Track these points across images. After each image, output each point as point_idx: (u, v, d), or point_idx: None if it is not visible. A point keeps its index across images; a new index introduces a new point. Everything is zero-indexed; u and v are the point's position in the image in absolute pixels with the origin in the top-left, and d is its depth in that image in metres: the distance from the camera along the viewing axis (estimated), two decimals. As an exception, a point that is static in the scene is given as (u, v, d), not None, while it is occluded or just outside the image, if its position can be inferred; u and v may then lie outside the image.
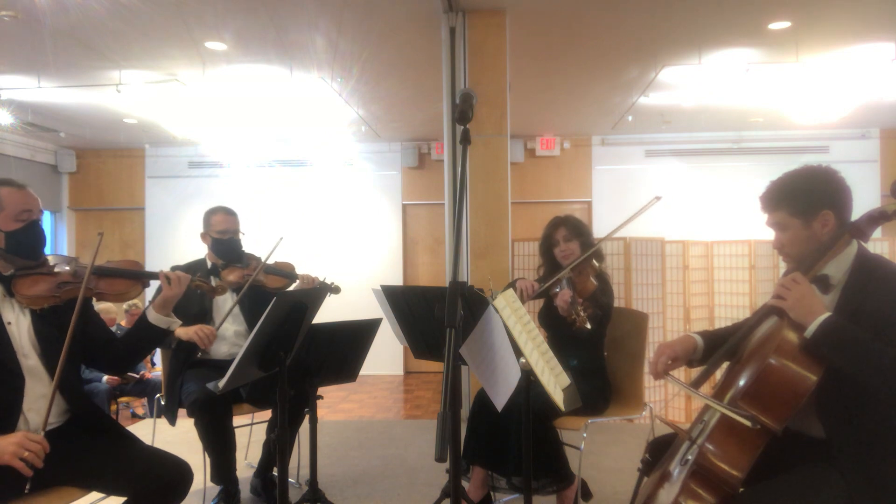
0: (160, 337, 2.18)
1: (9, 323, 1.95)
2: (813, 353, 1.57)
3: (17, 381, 1.92)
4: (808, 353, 1.58)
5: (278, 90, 5.60)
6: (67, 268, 2.07)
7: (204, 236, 3.23)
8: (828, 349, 1.54)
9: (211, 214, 3.22)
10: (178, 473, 1.98)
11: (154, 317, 2.14)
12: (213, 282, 2.58)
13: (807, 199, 1.71)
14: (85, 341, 2.09)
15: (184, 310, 2.94)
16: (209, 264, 3.20)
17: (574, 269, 2.85)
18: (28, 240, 1.99)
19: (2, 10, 3.88)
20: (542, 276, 3.09)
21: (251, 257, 3.23)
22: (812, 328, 1.56)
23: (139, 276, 2.19)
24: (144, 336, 2.17)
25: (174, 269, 3.11)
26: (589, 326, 2.50)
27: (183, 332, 2.78)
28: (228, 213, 3.22)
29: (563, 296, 2.60)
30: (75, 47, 4.55)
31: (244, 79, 5.31)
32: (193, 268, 3.17)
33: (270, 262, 3.20)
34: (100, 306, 2.22)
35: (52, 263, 2.06)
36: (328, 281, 3.22)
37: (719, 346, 1.90)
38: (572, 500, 2.70)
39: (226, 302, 3.14)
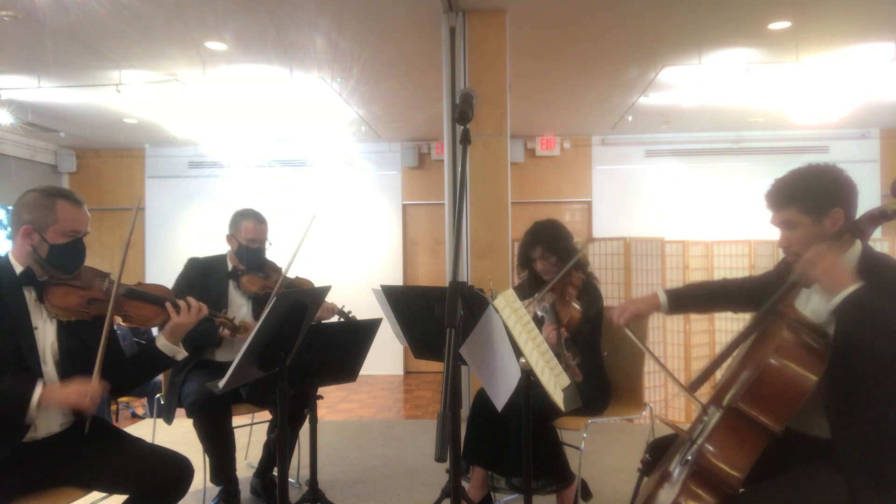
0: (165, 364, 2.19)
1: (36, 328, 1.97)
2: (836, 321, 1.56)
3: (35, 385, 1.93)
4: (808, 353, 1.58)
5: (278, 90, 5.60)
6: (100, 284, 2.07)
7: (230, 238, 3.15)
8: (853, 316, 1.52)
9: (241, 218, 3.13)
10: (178, 469, 2.00)
11: (162, 343, 2.13)
12: (237, 321, 2.59)
13: (818, 197, 1.69)
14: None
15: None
16: (230, 266, 3.16)
17: (557, 292, 2.79)
18: (69, 255, 2.02)
19: (2, 10, 3.87)
20: (525, 284, 3.05)
21: (272, 267, 3.18)
22: (841, 296, 1.53)
23: (167, 304, 2.16)
24: (150, 361, 2.17)
25: (192, 262, 3.11)
26: (580, 379, 2.48)
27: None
28: (259, 221, 3.13)
29: (549, 334, 2.60)
30: (75, 47, 4.54)
31: (244, 79, 5.31)
32: (213, 266, 3.14)
33: (291, 276, 3.17)
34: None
35: (84, 277, 2.07)
36: (346, 310, 3.13)
37: (685, 303, 2.13)
38: (572, 500, 2.70)
39: (241, 309, 3.12)
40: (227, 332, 2.66)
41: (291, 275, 3.17)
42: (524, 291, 2.96)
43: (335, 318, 3.08)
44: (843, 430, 1.59)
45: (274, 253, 3.27)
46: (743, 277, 2.18)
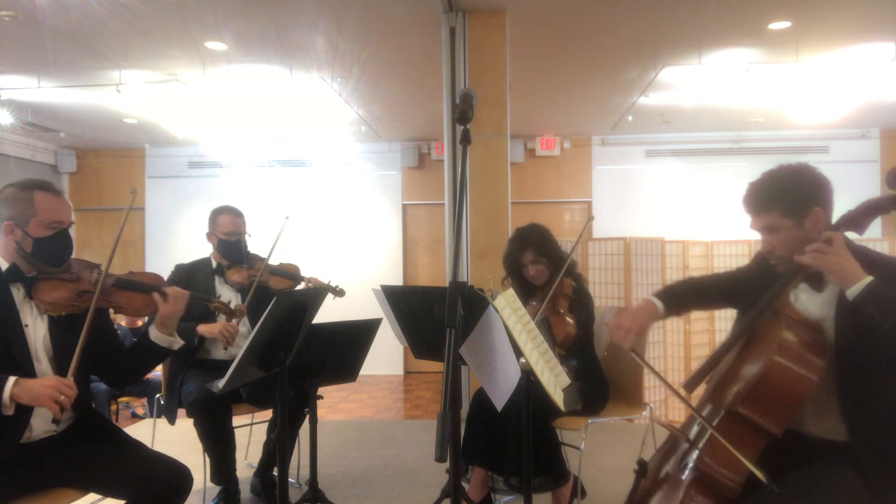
0: (162, 355, 2.14)
1: (26, 325, 1.93)
2: (857, 312, 1.54)
3: None
4: (809, 353, 1.57)
5: (278, 90, 5.60)
6: (89, 276, 2.02)
7: (210, 236, 3.21)
8: (873, 308, 1.51)
9: (218, 214, 3.19)
10: (177, 478, 1.97)
11: (155, 335, 2.08)
12: (233, 305, 2.59)
13: (797, 198, 1.69)
14: (96, 352, 2.06)
15: (188, 308, 2.94)
16: (214, 264, 3.20)
17: (548, 302, 2.74)
18: (55, 248, 1.97)
19: (2, 10, 3.87)
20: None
21: (256, 258, 3.23)
22: (857, 289, 1.52)
23: (154, 294, 2.10)
24: (145, 354, 2.12)
25: (178, 267, 3.15)
26: (580, 407, 2.44)
27: (206, 329, 2.78)
28: (235, 215, 3.19)
29: None
30: (75, 47, 4.54)
31: (244, 79, 5.31)
32: (198, 267, 3.20)
33: (275, 263, 3.22)
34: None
35: (74, 270, 2.02)
36: (333, 284, 3.20)
37: (679, 306, 1.99)
38: (567, 498, 2.71)
39: (230, 303, 3.13)
40: (223, 316, 2.68)
41: (275, 262, 3.24)
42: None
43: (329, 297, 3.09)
44: (860, 429, 1.58)
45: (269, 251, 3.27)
46: (717, 275, 2.09)
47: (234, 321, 2.86)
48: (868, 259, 1.62)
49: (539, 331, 2.55)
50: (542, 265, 2.85)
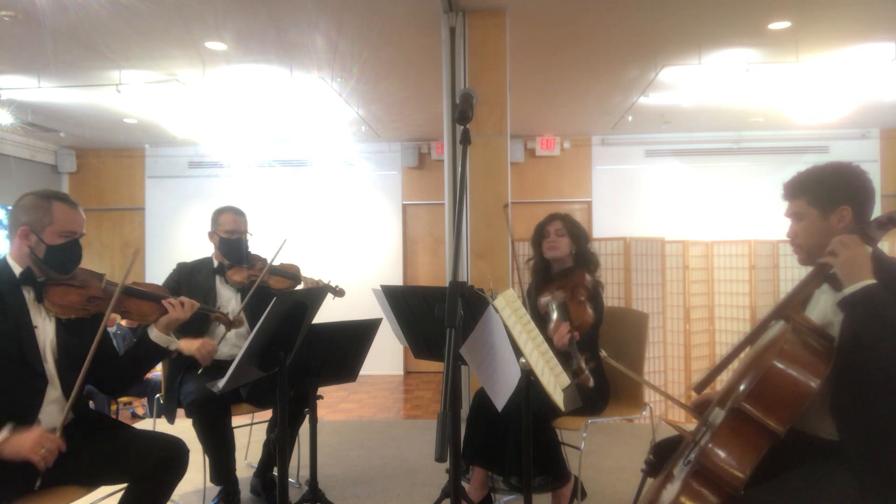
0: (159, 355, 2.24)
1: (35, 327, 2.02)
2: (843, 310, 1.55)
3: (39, 382, 1.99)
4: (811, 357, 1.57)
5: (278, 90, 5.60)
6: (97, 283, 2.14)
7: (211, 235, 3.22)
8: (862, 310, 1.51)
9: (220, 214, 3.22)
10: (172, 449, 2.05)
11: (156, 335, 2.19)
12: (230, 315, 2.62)
13: (828, 191, 1.71)
14: (94, 358, 2.09)
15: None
16: (215, 263, 3.21)
17: (567, 290, 2.75)
18: (65, 256, 2.06)
19: (2, 10, 3.88)
20: (532, 282, 3.04)
21: (256, 258, 3.24)
22: (853, 288, 1.53)
23: (163, 301, 2.25)
24: (144, 354, 2.22)
25: (180, 266, 3.17)
26: (592, 384, 2.40)
27: (186, 345, 2.79)
28: (237, 214, 3.22)
29: (561, 333, 2.47)
30: (75, 47, 4.54)
31: (244, 79, 5.31)
32: (199, 266, 3.21)
33: (276, 263, 3.22)
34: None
35: (81, 277, 2.12)
36: (333, 284, 3.21)
37: None
38: (567, 498, 2.71)
39: (230, 302, 3.14)
40: (222, 326, 2.73)
41: (276, 262, 3.22)
42: (536, 282, 2.97)
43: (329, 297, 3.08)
44: (850, 429, 1.58)
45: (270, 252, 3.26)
46: None
47: (218, 337, 2.93)
48: (883, 263, 1.63)
49: (559, 312, 2.55)
50: (564, 240, 2.88)
